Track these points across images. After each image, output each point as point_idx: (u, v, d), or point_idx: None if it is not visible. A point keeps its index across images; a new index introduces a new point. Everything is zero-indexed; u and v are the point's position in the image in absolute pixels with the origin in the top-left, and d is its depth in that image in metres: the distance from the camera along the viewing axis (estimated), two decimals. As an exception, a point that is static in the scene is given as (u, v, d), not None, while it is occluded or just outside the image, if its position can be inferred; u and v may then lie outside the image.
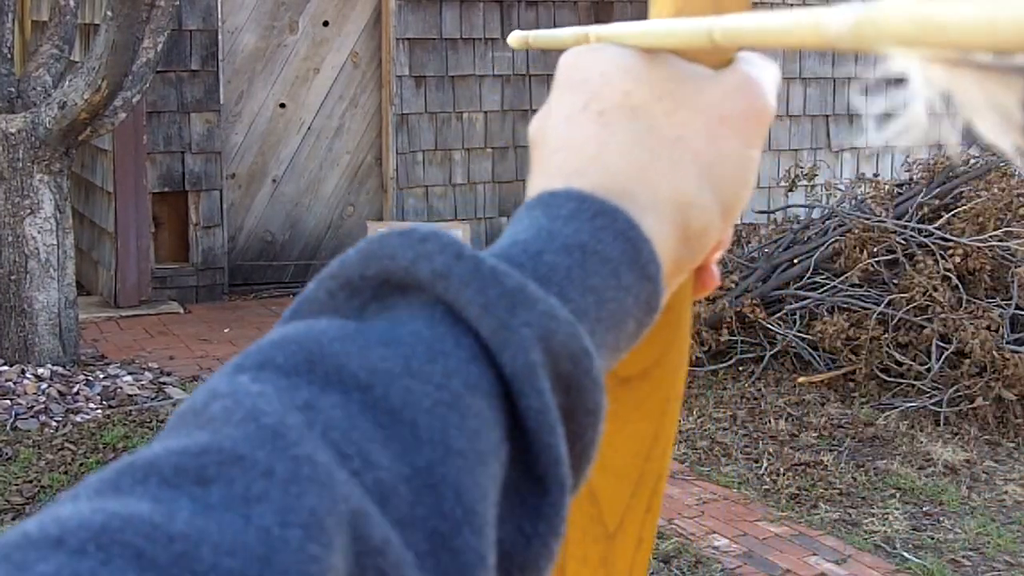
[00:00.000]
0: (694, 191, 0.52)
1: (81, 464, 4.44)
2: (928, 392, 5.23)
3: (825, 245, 5.95)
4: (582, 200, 0.50)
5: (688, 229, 0.52)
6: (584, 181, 0.51)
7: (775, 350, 5.70)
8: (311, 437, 0.38)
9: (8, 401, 4.95)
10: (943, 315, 5.29)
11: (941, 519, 4.19)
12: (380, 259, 0.44)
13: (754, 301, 5.74)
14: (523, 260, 0.47)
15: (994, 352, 5.07)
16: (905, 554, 3.89)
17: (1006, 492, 4.44)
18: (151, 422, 4.87)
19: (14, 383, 5.10)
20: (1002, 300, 5.48)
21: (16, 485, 4.25)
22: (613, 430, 0.53)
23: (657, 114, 0.53)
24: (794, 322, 5.77)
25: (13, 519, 4.00)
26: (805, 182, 6.77)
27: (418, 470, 0.39)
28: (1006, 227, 5.56)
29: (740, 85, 0.54)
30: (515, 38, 0.68)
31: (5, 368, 5.26)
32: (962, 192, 5.93)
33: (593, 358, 0.45)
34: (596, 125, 0.53)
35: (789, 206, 7.05)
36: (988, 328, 5.21)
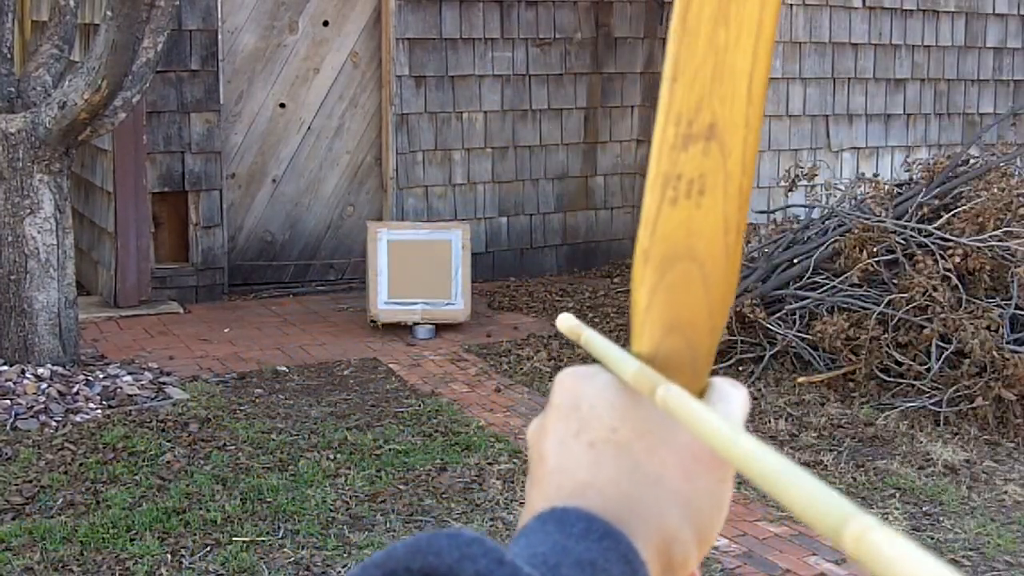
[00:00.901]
0: (675, 527, 0.58)
1: (81, 464, 4.43)
2: (928, 392, 5.22)
3: (825, 245, 5.95)
4: (590, 521, 0.56)
5: (671, 560, 0.58)
6: (584, 504, 0.57)
7: (775, 350, 5.70)
8: None
9: (8, 401, 4.95)
10: (943, 315, 5.29)
11: (941, 519, 4.19)
12: (426, 555, 0.50)
13: (754, 301, 5.74)
14: (544, 571, 0.53)
15: (994, 352, 5.07)
16: (905, 554, 3.89)
17: (1006, 492, 4.43)
18: (151, 422, 4.87)
19: (14, 383, 5.09)
20: (1002, 300, 5.47)
21: (16, 485, 4.25)
22: None
23: (639, 452, 0.59)
24: (794, 322, 5.77)
25: (13, 519, 4.00)
26: (805, 182, 6.76)
27: None
28: (1006, 227, 5.55)
29: None
30: (565, 325, 0.70)
31: (5, 368, 5.26)
32: (962, 192, 5.93)
33: None
34: (587, 455, 0.59)
35: (789, 206, 7.05)
36: (988, 328, 5.20)
